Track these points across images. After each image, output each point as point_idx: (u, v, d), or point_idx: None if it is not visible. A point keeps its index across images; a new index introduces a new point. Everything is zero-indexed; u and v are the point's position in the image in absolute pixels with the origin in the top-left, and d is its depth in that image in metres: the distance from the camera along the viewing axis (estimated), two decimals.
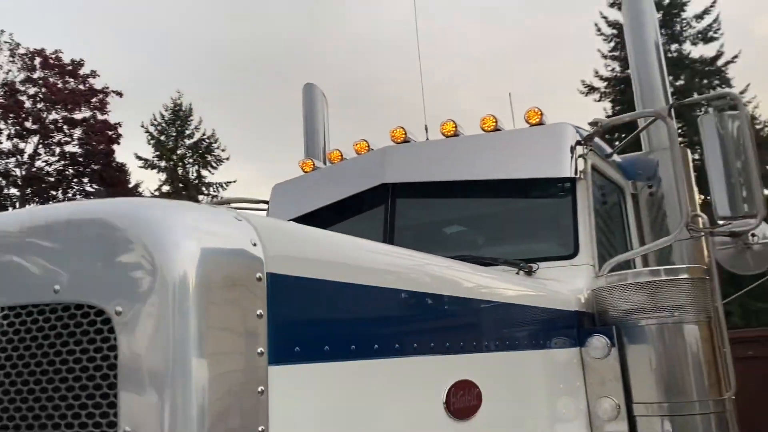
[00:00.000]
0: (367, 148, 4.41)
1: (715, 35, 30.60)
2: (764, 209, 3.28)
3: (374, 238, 3.15)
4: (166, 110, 39.11)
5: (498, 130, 4.07)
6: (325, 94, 6.16)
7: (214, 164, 39.01)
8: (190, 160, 39.08)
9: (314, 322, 1.65)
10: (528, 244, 3.84)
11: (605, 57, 32.26)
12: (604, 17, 32.55)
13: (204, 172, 38.75)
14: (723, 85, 30.14)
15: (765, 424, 9.08)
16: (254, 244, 1.52)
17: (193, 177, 38.73)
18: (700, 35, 30.95)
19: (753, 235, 3.59)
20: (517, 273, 3.34)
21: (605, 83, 32.08)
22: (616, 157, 4.53)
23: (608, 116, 31.98)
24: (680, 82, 30.88)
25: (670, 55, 31.34)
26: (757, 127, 30.05)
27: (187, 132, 39.04)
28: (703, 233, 3.47)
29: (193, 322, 1.34)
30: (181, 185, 37.47)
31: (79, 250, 1.46)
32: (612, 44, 32.39)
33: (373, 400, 1.82)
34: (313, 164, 4.73)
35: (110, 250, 1.41)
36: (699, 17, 31.06)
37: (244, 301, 1.45)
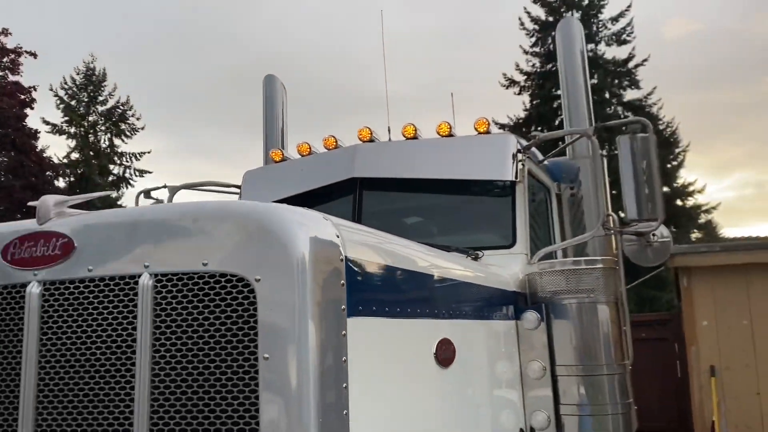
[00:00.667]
0: (335, 143, 4.99)
1: (628, 38, 32.34)
2: (663, 214, 4.13)
3: None
4: (78, 74, 37.68)
5: (452, 135, 4.75)
6: (284, 85, 6.64)
7: (128, 133, 37.92)
8: (103, 128, 37.84)
9: (369, 291, 2.30)
10: (474, 234, 4.56)
11: (526, 52, 33.51)
12: (528, 12, 33.74)
13: (117, 141, 37.65)
14: (632, 87, 32.08)
15: (649, 396, 10.37)
16: (337, 236, 2.15)
17: (105, 145, 37.56)
18: (614, 37, 32.62)
19: (653, 234, 4.44)
20: (467, 258, 4.04)
21: (525, 77, 33.39)
22: (546, 161, 5.32)
23: (525, 110, 33.38)
24: (594, 81, 32.62)
25: (588, 54, 33.03)
26: (660, 127, 32.09)
27: (100, 98, 37.76)
28: (614, 232, 4.30)
29: (309, 286, 1.98)
30: (91, 153, 36.34)
31: (224, 236, 2.04)
32: (533, 39, 33.67)
33: (399, 343, 2.53)
34: (283, 154, 5.26)
35: (249, 237, 2.01)
36: (614, 20, 32.71)
37: (334, 274, 2.10)
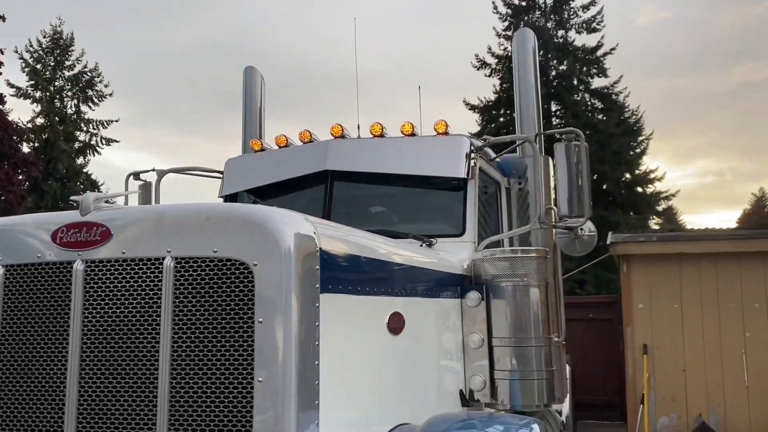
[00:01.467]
0: (309, 136, 5.57)
1: (598, 26, 32.87)
2: (589, 212, 4.85)
3: (315, 213, 4.39)
4: (45, 37, 37.20)
5: (414, 135, 5.38)
6: (263, 76, 7.17)
7: (96, 100, 37.72)
8: (69, 94, 37.52)
9: (337, 273, 2.97)
10: (430, 224, 5.21)
11: (499, 35, 34.00)
12: None
13: (84, 108, 37.42)
14: (600, 75, 32.83)
15: (594, 371, 11.24)
16: (314, 232, 2.80)
17: (71, 111, 37.30)
18: (584, 24, 33.13)
19: (581, 229, 5.15)
20: (421, 245, 4.69)
21: (497, 60, 33.93)
22: (498, 159, 5.98)
23: (495, 92, 33.86)
24: (563, 67, 33.26)
25: (556, 40, 33.56)
26: (626, 115, 32.89)
27: (67, 63, 37.39)
28: (548, 226, 5.01)
29: (293, 270, 2.64)
30: (57, 119, 36.04)
31: (231, 231, 2.68)
32: (506, 23, 34.18)
33: (359, 313, 3.21)
34: (262, 144, 5.83)
35: (249, 232, 2.66)
36: (585, 7, 33.24)
37: (311, 260, 2.76)
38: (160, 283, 2.73)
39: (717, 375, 9.18)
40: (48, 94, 36.49)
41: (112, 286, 2.78)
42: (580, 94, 34.02)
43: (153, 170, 5.63)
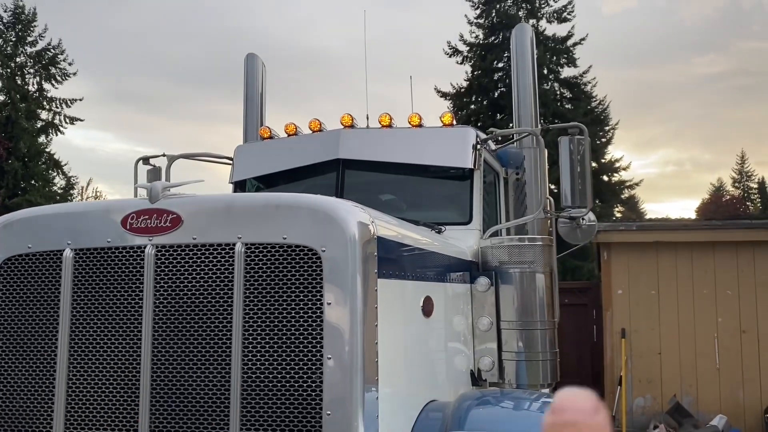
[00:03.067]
0: (319, 125, 5.72)
1: (569, 16, 33.41)
2: (591, 203, 5.12)
3: None
4: (6, 11, 36.15)
5: (421, 126, 5.57)
6: (264, 63, 7.25)
7: (59, 78, 36.90)
8: (31, 71, 36.64)
9: (388, 259, 3.15)
10: (437, 211, 5.42)
11: (471, 23, 34.23)
12: None
13: (46, 86, 36.50)
14: (569, 64, 33.33)
15: (568, 355, 11.61)
16: (372, 221, 2.97)
17: (33, 89, 36.42)
18: (555, 14, 33.56)
19: (582, 218, 5.43)
20: (435, 232, 4.90)
21: (468, 48, 34.20)
22: (497, 150, 6.20)
23: (467, 80, 34.04)
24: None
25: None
26: (593, 104, 33.53)
27: (30, 39, 36.44)
28: (552, 215, 5.27)
29: (358, 255, 2.83)
30: (18, 97, 35.15)
31: (298, 218, 2.84)
32: (478, 11, 34.40)
33: (401, 297, 3.42)
34: (270, 132, 5.95)
35: (317, 221, 2.83)
36: None
37: (371, 247, 2.94)
38: (231, 268, 2.87)
39: (690, 358, 9.64)
40: (9, 70, 35.45)
41: (183, 270, 2.92)
42: (549, 83, 34.49)
43: (163, 155, 5.71)
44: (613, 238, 9.76)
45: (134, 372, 2.93)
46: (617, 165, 33.23)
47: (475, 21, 34.42)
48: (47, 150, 36.15)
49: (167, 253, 2.95)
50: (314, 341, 2.72)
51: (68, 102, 36.76)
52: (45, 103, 36.57)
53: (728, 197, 63.03)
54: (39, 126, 36.24)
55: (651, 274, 9.78)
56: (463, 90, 33.50)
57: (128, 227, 2.95)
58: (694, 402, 9.52)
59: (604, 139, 34.12)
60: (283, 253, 2.83)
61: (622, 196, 34.82)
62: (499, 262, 4.92)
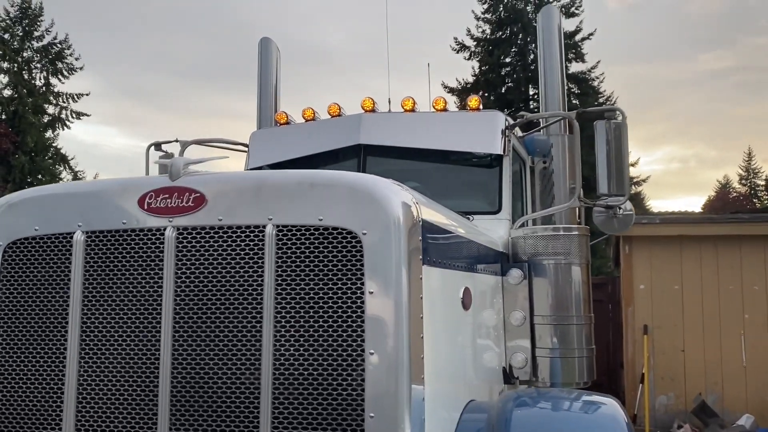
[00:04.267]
0: (338, 110, 5.45)
1: (577, 11, 33.18)
2: (629, 192, 4.83)
3: None
4: (12, 6, 35.98)
5: (446, 110, 5.29)
6: (279, 48, 6.98)
7: (65, 72, 36.72)
8: (38, 66, 36.48)
9: (431, 245, 2.89)
10: (465, 200, 5.14)
11: (478, 18, 33.95)
12: None
13: (53, 80, 36.39)
14: (578, 59, 33.02)
15: None
16: (415, 203, 2.70)
17: (40, 84, 36.27)
18: (563, 9, 33.35)
19: (619, 207, 5.14)
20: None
21: (475, 43, 33.95)
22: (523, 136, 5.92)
23: (474, 75, 33.85)
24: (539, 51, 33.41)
25: (535, 24, 33.76)
26: (601, 100, 33.24)
27: (36, 34, 36.26)
28: (587, 204, 4.99)
29: (403, 239, 2.54)
30: (25, 91, 35.01)
31: (336, 199, 2.56)
32: (485, 6, 34.13)
33: (442, 287, 3.14)
34: (287, 117, 5.68)
35: (357, 201, 2.55)
36: None
37: (415, 231, 2.66)
38: (261, 252, 2.58)
39: (715, 355, 9.36)
40: (16, 65, 35.31)
41: (207, 254, 2.63)
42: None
43: (176, 141, 5.46)
44: (635, 232, 9.45)
45: (152, 369, 2.65)
46: None
47: (482, 16, 34.21)
48: (54, 144, 36.03)
49: (189, 236, 2.67)
50: (355, 334, 2.44)
51: (75, 97, 36.65)
52: (51, 97, 36.46)
53: (735, 194, 62.55)
54: (46, 121, 36.14)
55: (674, 269, 9.50)
56: (469, 85, 33.27)
57: (146, 207, 2.67)
58: (719, 400, 9.24)
59: None
60: (319, 236, 2.55)
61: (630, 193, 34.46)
62: (532, 254, 4.65)
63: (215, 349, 2.58)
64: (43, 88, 36.16)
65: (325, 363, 2.48)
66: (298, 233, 2.58)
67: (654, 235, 9.46)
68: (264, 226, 2.61)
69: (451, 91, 33.75)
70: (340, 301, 2.48)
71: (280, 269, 2.55)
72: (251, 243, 2.61)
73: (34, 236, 2.85)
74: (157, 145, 5.54)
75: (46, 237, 2.84)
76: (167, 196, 2.65)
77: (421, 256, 2.64)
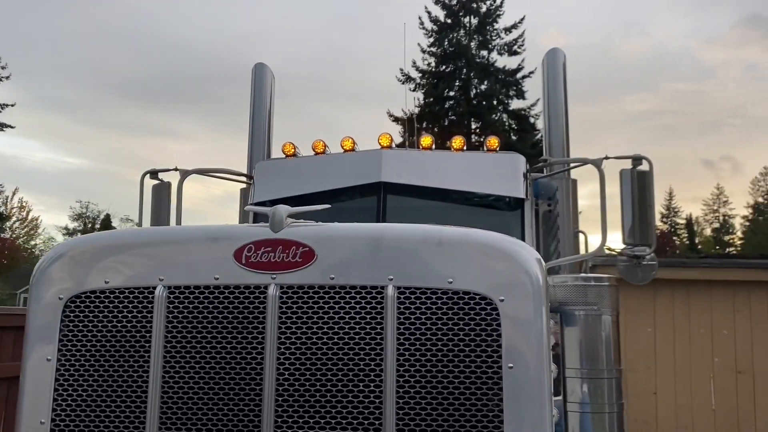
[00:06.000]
0: (353, 144, 5.19)
1: (519, 50, 34.17)
2: (654, 241, 4.76)
3: None
4: None
5: (464, 149, 5.13)
6: (274, 74, 6.67)
7: None
8: None
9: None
10: None
11: (424, 51, 34.45)
12: (428, 12, 34.65)
13: None
14: (518, 97, 33.90)
15: None
16: (537, 260, 2.46)
17: None
18: (506, 47, 34.30)
19: (644, 257, 5.07)
20: None
21: (420, 75, 34.36)
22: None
23: (418, 106, 34.23)
24: (484, 87, 34.16)
25: (479, 60, 34.46)
26: (538, 137, 34.15)
27: None
28: (615, 253, 4.90)
29: (544, 307, 2.37)
30: None
31: (468, 258, 2.27)
32: (431, 39, 34.67)
33: None
34: (294, 148, 5.38)
35: (493, 261, 2.26)
36: (508, 30, 34.43)
37: (547, 290, 2.47)
38: (380, 317, 2.28)
39: (686, 398, 9.46)
40: None
41: (317, 317, 2.31)
42: (498, 114, 35.07)
43: (176, 169, 5.04)
44: (607, 273, 9.54)
45: None
46: None
47: (428, 49, 34.77)
48: None
49: (296, 296, 2.34)
50: (490, 414, 2.17)
51: (0, 107, 34.89)
52: None
53: (657, 232, 65.30)
54: None
55: (648, 312, 9.60)
56: (415, 116, 33.62)
57: (244, 261, 2.32)
58: None
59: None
60: (448, 301, 2.28)
61: None
62: (561, 302, 4.48)
63: (321, 422, 2.25)
64: None
65: None
66: (423, 296, 2.30)
67: None
68: (383, 287, 2.32)
69: (396, 120, 34.01)
70: (473, 376, 2.21)
71: (402, 337, 2.25)
72: (368, 306, 2.31)
73: (103, 290, 2.45)
74: (153, 173, 5.11)
75: (119, 291, 2.45)
76: (270, 249, 2.32)
77: (554, 321, 2.41)
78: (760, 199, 68.07)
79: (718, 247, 64.78)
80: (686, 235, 68.95)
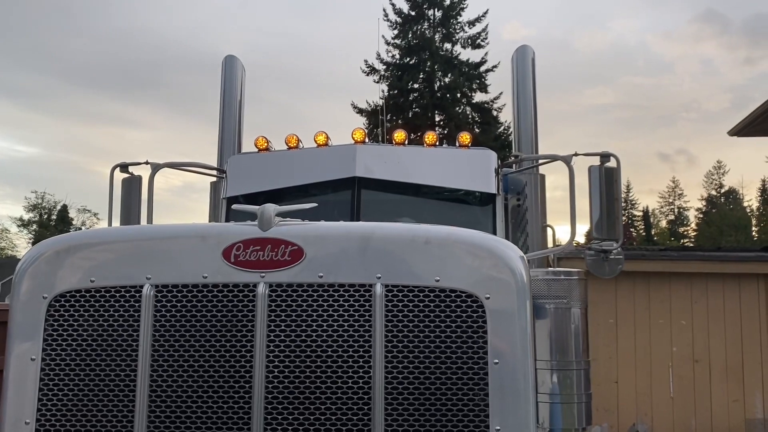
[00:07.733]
0: (326, 139, 5.21)
1: (482, 43, 34.42)
2: (621, 236, 4.91)
3: (342, 220, 4.10)
4: None
5: (437, 145, 5.19)
6: (245, 66, 6.63)
7: None
8: None
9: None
10: None
11: (388, 43, 34.46)
12: (393, 4, 34.63)
13: None
14: (481, 90, 34.17)
15: None
16: (521, 257, 2.51)
17: None
18: (470, 40, 34.51)
19: (611, 251, 5.21)
20: None
21: (385, 67, 34.39)
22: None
23: (383, 98, 34.23)
24: (448, 79, 34.31)
25: (443, 53, 34.63)
26: (499, 130, 34.54)
27: None
28: (581, 247, 5.02)
29: (528, 304, 2.46)
30: None
31: (454, 256, 2.31)
32: (396, 32, 34.69)
33: None
34: (267, 142, 5.37)
35: (479, 259, 2.30)
36: (472, 23, 34.65)
37: (530, 287, 2.56)
38: (368, 314, 2.32)
39: (646, 386, 9.75)
40: None
41: (306, 315, 2.33)
42: (462, 107, 35.28)
43: (146, 163, 4.98)
44: (574, 266, 9.75)
45: None
46: None
47: (392, 41, 34.77)
48: None
49: (285, 294, 2.36)
50: (476, 408, 2.23)
51: None
52: None
53: None
54: None
55: (609, 303, 9.85)
56: (379, 108, 33.64)
57: (233, 260, 2.33)
58: (649, 430, 9.63)
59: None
60: (435, 298, 2.32)
61: None
62: (533, 296, 4.60)
63: (311, 418, 2.28)
64: None
65: None
66: (411, 294, 2.35)
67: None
68: (371, 285, 2.35)
69: (361, 111, 33.99)
70: (460, 371, 2.28)
71: (390, 334, 2.30)
72: (357, 304, 2.35)
73: (88, 288, 2.42)
74: (123, 166, 5.04)
75: (104, 290, 2.42)
76: (259, 247, 2.33)
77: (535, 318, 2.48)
78: (714, 192, 70.11)
79: (673, 239, 66.51)
80: (643, 226, 70.58)
